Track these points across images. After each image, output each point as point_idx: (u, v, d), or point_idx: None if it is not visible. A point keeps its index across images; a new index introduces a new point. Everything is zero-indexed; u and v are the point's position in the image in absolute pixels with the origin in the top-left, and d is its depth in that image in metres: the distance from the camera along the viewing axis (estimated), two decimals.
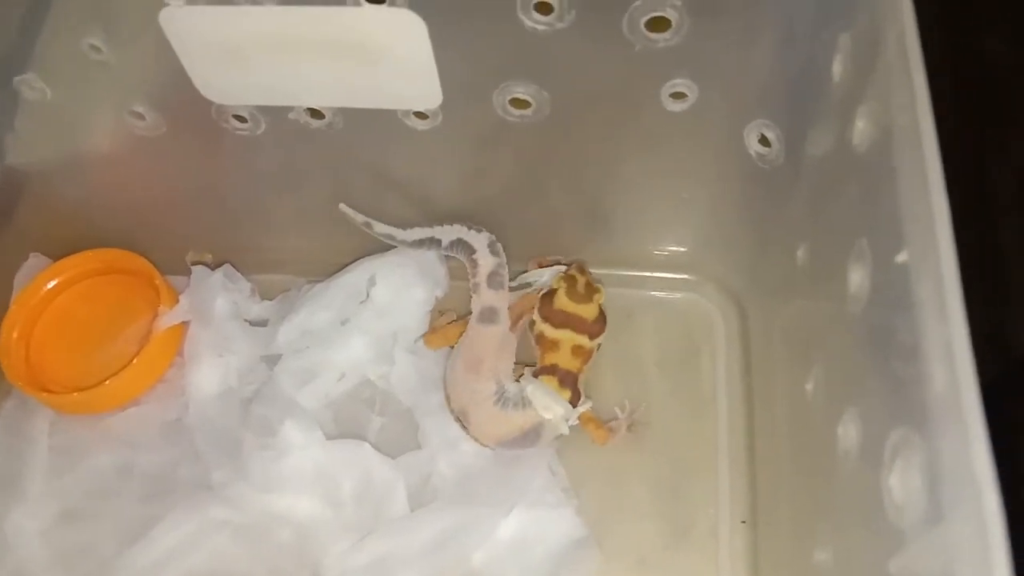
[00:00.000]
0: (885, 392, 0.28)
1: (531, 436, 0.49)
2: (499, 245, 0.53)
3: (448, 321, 0.55)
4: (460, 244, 0.54)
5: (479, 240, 0.53)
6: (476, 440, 0.50)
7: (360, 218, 0.55)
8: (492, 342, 0.51)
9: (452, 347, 0.53)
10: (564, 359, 0.50)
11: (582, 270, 0.52)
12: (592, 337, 0.50)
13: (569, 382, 0.50)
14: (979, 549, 0.21)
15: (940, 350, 0.23)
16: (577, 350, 0.50)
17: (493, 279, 0.52)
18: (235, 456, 0.50)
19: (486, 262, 0.53)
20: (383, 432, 0.53)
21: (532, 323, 0.51)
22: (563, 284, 0.51)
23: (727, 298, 0.56)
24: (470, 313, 0.53)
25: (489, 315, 0.52)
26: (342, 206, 0.54)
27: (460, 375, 0.50)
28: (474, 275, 0.53)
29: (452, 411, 0.51)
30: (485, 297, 0.52)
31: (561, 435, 0.50)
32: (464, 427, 0.50)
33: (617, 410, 0.53)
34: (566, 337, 0.50)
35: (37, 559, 0.51)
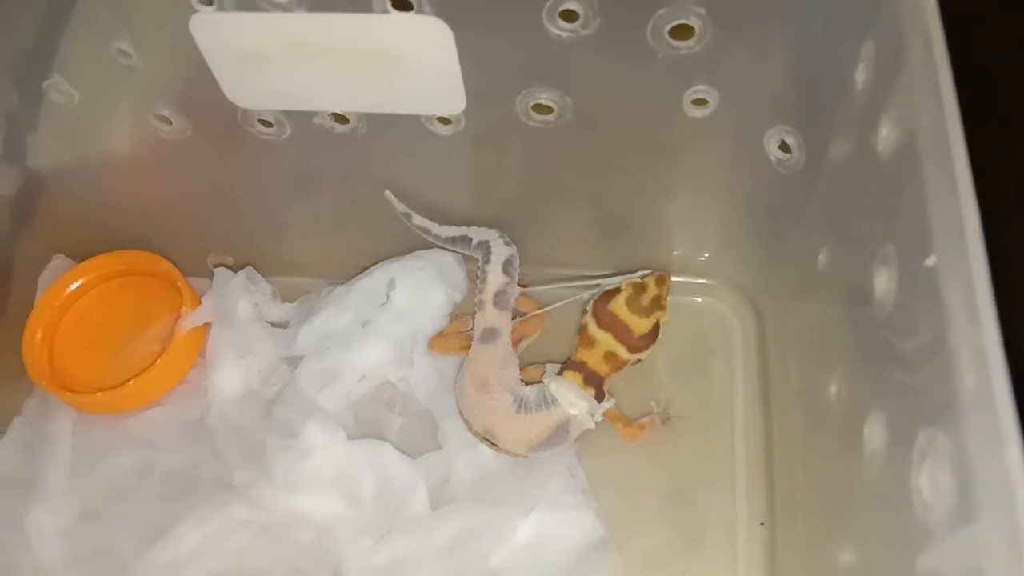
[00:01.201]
0: (912, 394, 0.29)
1: (560, 433, 0.49)
2: (516, 263, 0.53)
3: (459, 330, 0.54)
4: (483, 247, 0.54)
5: (499, 252, 0.53)
6: (509, 453, 0.50)
7: (401, 207, 0.54)
8: (495, 361, 0.51)
9: (460, 358, 0.53)
10: (595, 361, 0.50)
11: (661, 282, 0.51)
12: (631, 351, 0.50)
13: (594, 382, 0.50)
14: (1011, 548, 0.22)
15: (972, 352, 0.24)
16: (610, 357, 0.50)
17: (499, 298, 0.52)
18: (257, 456, 0.51)
19: (495, 279, 0.52)
20: (403, 433, 0.54)
21: (583, 311, 0.51)
22: (629, 289, 0.51)
23: (744, 302, 0.56)
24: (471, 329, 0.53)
25: (491, 336, 0.52)
26: (387, 193, 0.54)
27: (472, 396, 0.50)
28: (481, 291, 0.53)
29: (476, 434, 0.50)
30: (489, 316, 0.52)
31: (588, 430, 0.50)
32: (493, 445, 0.50)
33: (653, 404, 0.53)
34: (604, 340, 0.50)
35: (57, 558, 0.51)
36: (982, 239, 0.25)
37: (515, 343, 0.53)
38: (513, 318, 0.53)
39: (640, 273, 0.53)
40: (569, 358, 0.52)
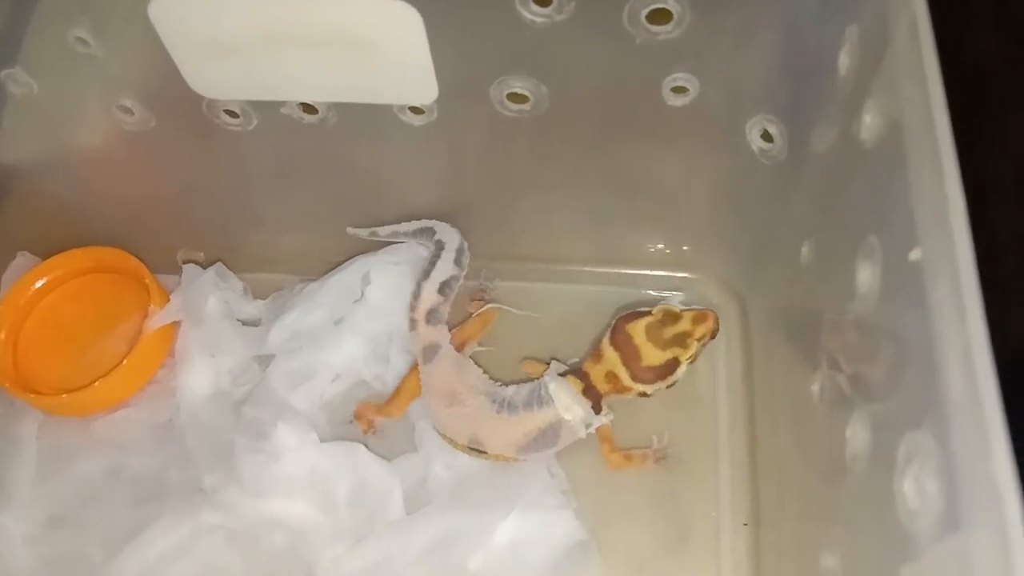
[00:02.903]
0: (897, 395, 0.27)
1: (550, 435, 0.47)
2: (457, 280, 0.52)
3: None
4: (438, 245, 0.53)
5: (443, 268, 0.51)
6: (499, 458, 0.48)
7: (365, 232, 0.54)
8: (449, 372, 0.50)
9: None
10: (597, 375, 0.48)
11: (699, 320, 0.46)
12: (633, 379, 0.46)
13: (591, 396, 0.48)
14: (1000, 558, 0.20)
15: (958, 352, 0.22)
16: (611, 377, 0.47)
17: (431, 316, 0.51)
18: (227, 459, 0.50)
19: (428, 298, 0.51)
20: (378, 434, 0.52)
21: (609, 323, 0.49)
22: (659, 315, 0.47)
23: (728, 296, 0.55)
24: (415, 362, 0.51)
25: (432, 352, 0.50)
26: (349, 229, 0.54)
27: (445, 413, 0.49)
28: (414, 308, 0.51)
29: (462, 448, 0.49)
30: (424, 335, 0.51)
31: (579, 439, 0.48)
32: (482, 453, 0.48)
33: (654, 438, 0.51)
34: (610, 358, 0.47)
35: (23, 565, 0.50)
36: (969, 233, 0.23)
37: (460, 347, 0.52)
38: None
39: (676, 296, 0.51)
40: (578, 364, 0.50)
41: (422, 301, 0.51)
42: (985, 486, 0.21)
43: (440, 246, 0.52)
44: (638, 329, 0.47)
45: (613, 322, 0.48)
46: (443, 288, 0.52)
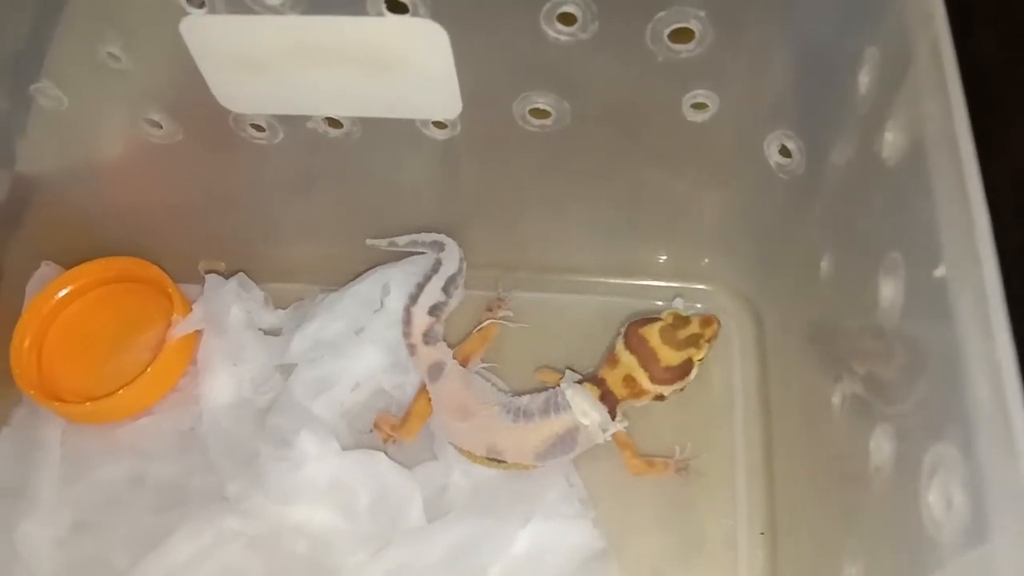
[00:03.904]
0: (921, 408, 0.28)
1: (568, 441, 0.48)
2: (448, 304, 0.53)
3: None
4: (435, 264, 0.54)
5: (430, 293, 0.52)
6: (518, 466, 0.49)
7: (384, 243, 0.55)
8: (458, 388, 0.50)
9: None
10: (614, 381, 0.48)
11: (706, 324, 0.48)
12: (653, 381, 0.47)
13: (608, 401, 0.48)
14: None
15: (984, 366, 0.23)
16: (630, 381, 0.48)
17: (428, 337, 0.52)
18: (249, 467, 0.50)
19: (420, 322, 0.52)
20: (398, 443, 0.53)
21: (618, 332, 0.49)
22: (670, 319, 0.48)
23: (744, 308, 0.56)
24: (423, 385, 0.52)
25: (437, 371, 0.51)
26: (369, 241, 0.55)
27: (460, 427, 0.49)
28: (408, 335, 0.52)
29: (481, 460, 0.49)
30: (425, 356, 0.51)
31: (596, 444, 0.49)
32: (501, 462, 0.49)
33: (677, 448, 0.51)
34: (627, 362, 0.48)
35: (48, 570, 0.50)
36: (994, 249, 0.24)
37: (464, 364, 0.52)
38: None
39: (678, 301, 0.52)
40: (592, 372, 0.50)
41: (415, 326, 0.52)
42: (1012, 499, 0.22)
43: (435, 269, 0.53)
44: (652, 332, 0.48)
45: (623, 329, 0.49)
46: (432, 311, 0.52)
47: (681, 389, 0.49)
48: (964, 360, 0.24)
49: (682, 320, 0.48)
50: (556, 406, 0.48)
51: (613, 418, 0.48)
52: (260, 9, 0.39)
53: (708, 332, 0.48)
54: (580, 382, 0.49)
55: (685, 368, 0.48)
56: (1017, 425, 0.22)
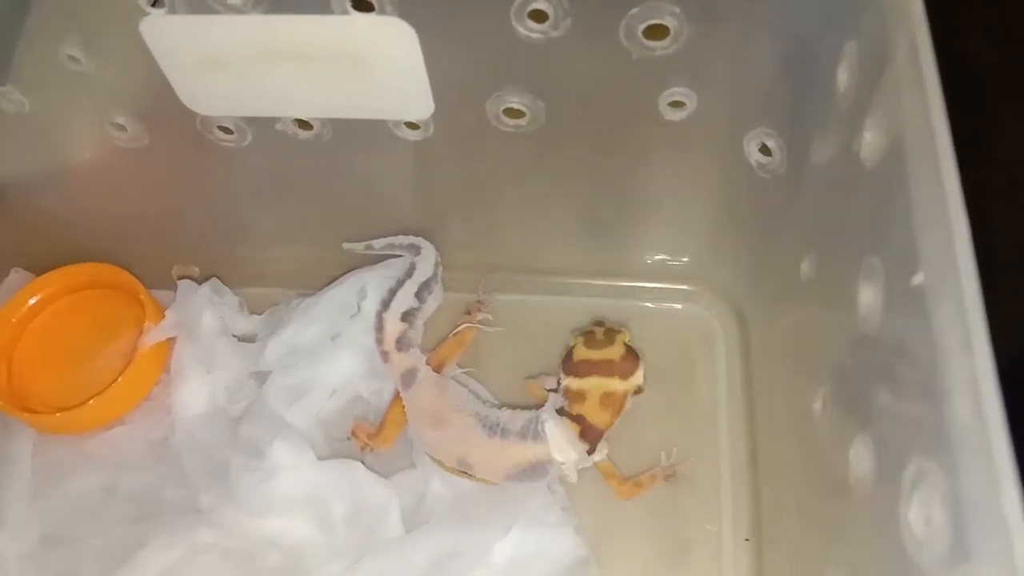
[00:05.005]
0: (901, 419, 0.27)
1: (539, 470, 0.47)
2: (423, 309, 0.52)
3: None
4: (409, 268, 0.53)
5: (403, 299, 0.51)
6: (484, 480, 0.48)
7: (360, 247, 0.54)
8: (432, 395, 0.49)
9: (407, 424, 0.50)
10: (592, 411, 0.47)
11: (600, 323, 0.50)
12: (624, 377, 0.47)
13: (591, 437, 0.47)
14: None
15: (963, 381, 0.22)
16: (607, 399, 0.47)
17: (401, 343, 0.51)
18: (223, 478, 0.49)
19: (393, 328, 0.51)
20: (376, 451, 0.52)
21: (559, 384, 0.49)
22: (580, 338, 0.49)
23: (727, 309, 0.55)
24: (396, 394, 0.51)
25: (410, 377, 0.50)
26: (345, 245, 0.54)
27: (433, 435, 0.48)
28: (380, 340, 0.51)
29: (451, 470, 0.48)
30: (399, 362, 0.50)
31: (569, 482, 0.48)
32: (469, 475, 0.48)
33: (663, 454, 0.50)
34: (593, 385, 0.47)
35: None
36: (973, 257, 0.23)
37: (439, 369, 0.51)
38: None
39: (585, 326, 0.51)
40: (563, 409, 0.48)
41: (387, 333, 0.51)
42: (992, 518, 0.21)
43: (408, 274, 0.52)
44: (583, 352, 0.48)
45: (561, 372, 0.49)
46: (405, 317, 0.51)
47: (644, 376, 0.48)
48: (942, 374, 0.23)
49: (587, 332, 0.49)
50: (535, 434, 0.47)
51: (593, 450, 0.47)
52: (221, 9, 0.38)
53: (608, 323, 0.50)
54: (561, 412, 0.48)
55: (632, 350, 0.48)
56: (996, 441, 0.21)
